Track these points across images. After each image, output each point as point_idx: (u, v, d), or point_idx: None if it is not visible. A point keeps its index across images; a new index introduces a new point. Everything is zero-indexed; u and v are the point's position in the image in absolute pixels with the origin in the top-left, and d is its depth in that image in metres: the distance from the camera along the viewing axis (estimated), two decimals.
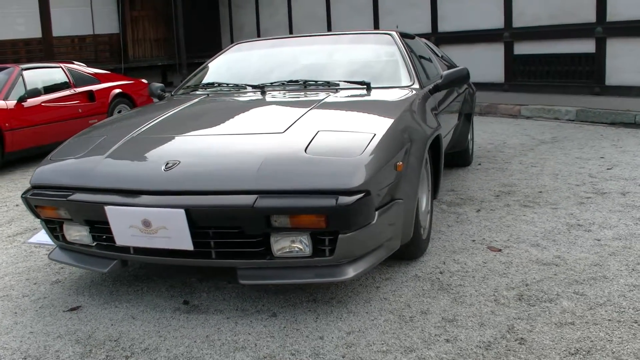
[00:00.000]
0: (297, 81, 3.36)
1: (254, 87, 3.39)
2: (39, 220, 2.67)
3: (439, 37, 10.30)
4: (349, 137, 2.44)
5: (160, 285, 2.76)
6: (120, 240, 2.36)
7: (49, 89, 6.33)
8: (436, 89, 3.34)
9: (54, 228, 2.63)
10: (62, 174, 2.56)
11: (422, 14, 10.55)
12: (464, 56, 9.98)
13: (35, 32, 13.18)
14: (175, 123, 2.93)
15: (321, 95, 3.09)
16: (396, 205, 2.45)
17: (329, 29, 12.55)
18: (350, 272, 2.29)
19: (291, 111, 2.83)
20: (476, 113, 8.27)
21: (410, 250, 2.79)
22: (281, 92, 3.32)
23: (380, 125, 2.55)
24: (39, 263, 3.14)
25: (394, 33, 3.69)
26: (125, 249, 2.44)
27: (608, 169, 4.57)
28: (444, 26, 10.26)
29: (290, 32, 13.66)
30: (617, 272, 2.63)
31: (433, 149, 3.08)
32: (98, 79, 7.06)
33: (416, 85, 3.26)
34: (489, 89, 9.54)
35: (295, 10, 13.52)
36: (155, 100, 3.83)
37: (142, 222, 2.26)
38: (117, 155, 2.56)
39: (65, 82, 6.61)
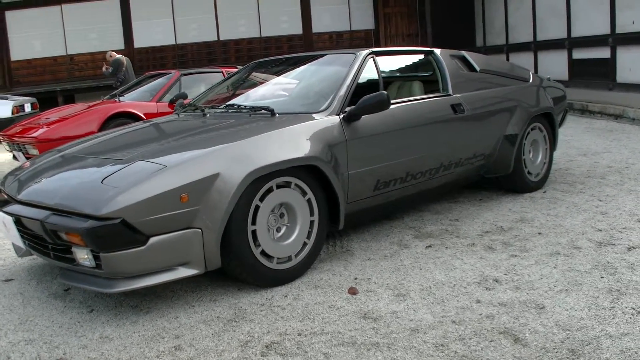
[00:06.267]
0: (233, 105, 3.60)
1: (200, 109, 3.73)
2: None
3: None
4: (144, 167, 2.66)
5: None
6: (6, 235, 3.03)
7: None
8: (350, 115, 3.20)
9: None
10: (6, 181, 3.24)
11: None
12: None
13: (297, 29, 14.91)
14: (99, 143, 3.39)
15: (225, 122, 3.28)
16: (188, 234, 2.61)
17: (569, 24, 11.55)
18: (120, 286, 2.56)
19: (165, 137, 3.13)
20: None
21: (249, 278, 2.85)
22: (213, 116, 3.57)
23: (184, 156, 2.74)
24: None
25: (361, 52, 3.58)
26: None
27: None
28: None
29: (534, 27, 12.81)
30: (410, 346, 2.30)
31: (321, 179, 3.04)
32: None
33: (327, 113, 3.21)
34: None
35: (539, 3, 12.59)
36: None
37: (2, 222, 2.91)
38: (33, 169, 3.16)
39: None
